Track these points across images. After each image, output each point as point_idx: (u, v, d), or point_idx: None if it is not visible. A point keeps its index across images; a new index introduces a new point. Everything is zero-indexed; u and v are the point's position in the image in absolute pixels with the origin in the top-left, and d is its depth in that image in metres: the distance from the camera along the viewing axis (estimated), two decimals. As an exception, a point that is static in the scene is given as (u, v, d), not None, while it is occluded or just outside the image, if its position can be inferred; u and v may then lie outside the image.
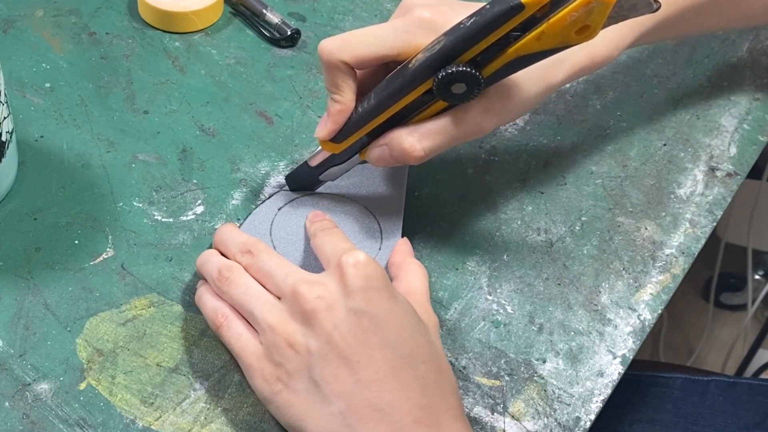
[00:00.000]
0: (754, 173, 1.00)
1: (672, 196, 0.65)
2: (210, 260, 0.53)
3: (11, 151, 0.58)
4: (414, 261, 0.56)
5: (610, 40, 0.57)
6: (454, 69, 0.49)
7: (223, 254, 0.54)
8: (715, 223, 0.64)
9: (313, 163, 0.58)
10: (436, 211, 0.62)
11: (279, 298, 0.50)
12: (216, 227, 0.59)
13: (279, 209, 0.58)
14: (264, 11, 0.72)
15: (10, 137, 0.57)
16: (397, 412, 0.46)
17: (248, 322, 0.51)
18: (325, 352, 0.47)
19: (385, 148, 0.54)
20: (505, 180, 0.64)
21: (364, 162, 0.56)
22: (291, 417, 0.48)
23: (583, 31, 0.47)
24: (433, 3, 0.53)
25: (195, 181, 0.61)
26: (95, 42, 0.69)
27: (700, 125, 0.70)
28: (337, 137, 0.54)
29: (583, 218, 0.63)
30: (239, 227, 0.57)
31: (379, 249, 0.57)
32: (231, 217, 0.59)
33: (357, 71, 0.53)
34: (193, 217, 0.59)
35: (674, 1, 0.60)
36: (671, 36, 0.65)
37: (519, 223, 0.62)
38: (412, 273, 0.54)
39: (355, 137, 0.54)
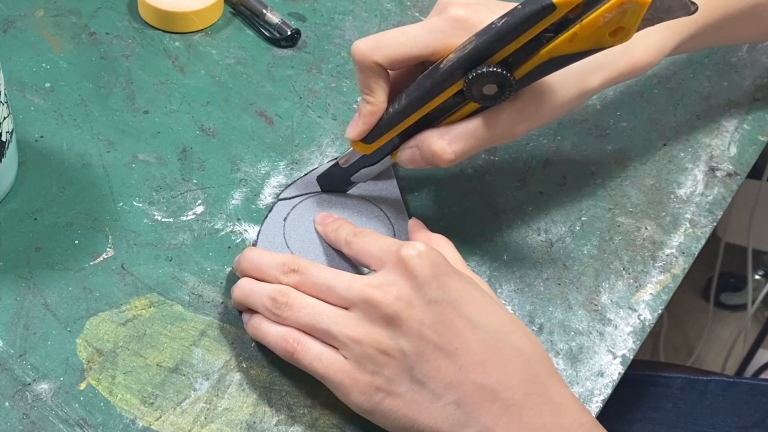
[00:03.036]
0: (754, 173, 1.00)
1: (672, 196, 0.65)
2: (254, 290, 0.51)
3: (11, 151, 0.58)
4: (438, 235, 0.55)
5: (651, 47, 0.56)
6: (484, 70, 0.48)
7: (258, 279, 0.52)
8: (715, 223, 0.64)
9: (344, 163, 0.58)
10: (436, 211, 0.62)
11: (346, 308, 0.49)
12: (216, 227, 0.59)
13: (284, 220, 0.58)
14: (264, 11, 0.72)
15: (10, 137, 0.57)
16: (507, 389, 0.46)
17: (321, 340, 0.49)
18: (420, 349, 0.46)
19: (416, 150, 0.53)
20: (505, 180, 0.64)
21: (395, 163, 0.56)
22: (401, 420, 0.47)
23: (617, 33, 0.46)
24: (468, 1, 0.52)
25: (195, 181, 0.61)
26: (95, 42, 0.69)
27: (700, 125, 0.70)
28: (368, 138, 0.54)
29: (583, 218, 0.63)
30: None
31: (394, 236, 0.57)
32: (231, 217, 0.59)
33: (391, 71, 0.53)
34: (193, 217, 0.59)
35: (716, 8, 0.59)
36: (712, 43, 0.64)
37: (519, 223, 0.62)
38: (443, 248, 0.54)
39: (386, 138, 0.54)
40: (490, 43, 0.48)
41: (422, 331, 0.46)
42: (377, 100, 0.53)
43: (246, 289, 0.52)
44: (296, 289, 0.50)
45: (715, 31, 0.60)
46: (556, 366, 0.55)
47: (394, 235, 0.57)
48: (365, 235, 0.52)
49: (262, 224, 0.58)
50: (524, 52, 0.48)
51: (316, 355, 0.49)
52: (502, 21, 0.48)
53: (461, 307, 0.47)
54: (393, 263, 0.48)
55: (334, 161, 0.61)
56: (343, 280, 0.49)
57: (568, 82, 0.53)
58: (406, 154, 0.54)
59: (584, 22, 0.46)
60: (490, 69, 0.48)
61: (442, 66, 0.50)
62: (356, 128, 0.54)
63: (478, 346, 0.47)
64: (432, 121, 0.53)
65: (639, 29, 0.47)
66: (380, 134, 0.54)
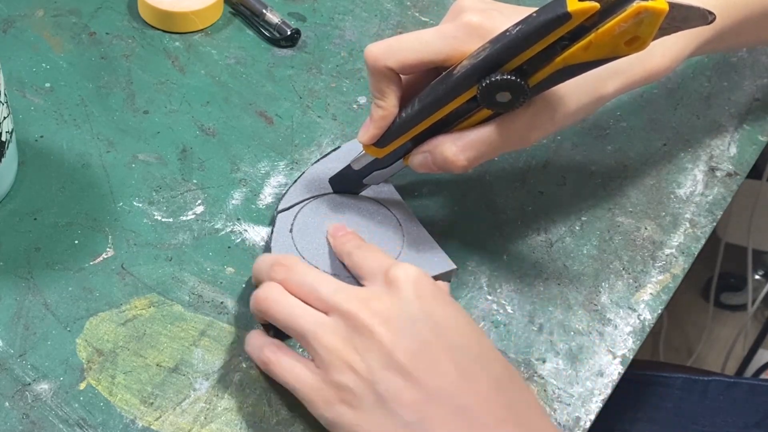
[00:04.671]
0: (754, 173, 1.00)
1: (672, 196, 0.65)
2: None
3: (11, 151, 0.58)
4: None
5: (668, 51, 0.55)
6: (498, 77, 0.48)
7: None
8: (715, 223, 0.64)
9: (357, 166, 0.57)
10: (436, 211, 0.62)
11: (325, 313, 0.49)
12: (216, 227, 0.59)
13: (291, 231, 0.57)
14: (264, 11, 0.72)
15: (10, 137, 0.57)
16: (478, 414, 0.45)
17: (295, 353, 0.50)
18: (386, 366, 0.46)
19: (428, 155, 0.53)
20: (505, 180, 0.64)
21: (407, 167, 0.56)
22: None
23: (633, 42, 0.46)
24: (483, 8, 0.52)
25: (195, 181, 0.61)
26: (95, 42, 0.69)
27: (700, 125, 0.70)
28: (380, 142, 0.54)
29: (583, 218, 0.63)
30: None
31: (403, 236, 0.57)
32: (231, 217, 0.59)
33: (403, 76, 0.53)
34: (193, 217, 0.59)
35: (733, 11, 0.58)
36: (729, 47, 0.64)
37: (519, 223, 0.62)
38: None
39: (399, 143, 0.54)
40: (505, 51, 0.48)
41: (393, 350, 0.46)
42: (389, 105, 0.53)
43: (281, 303, 0.51)
44: (282, 285, 0.50)
45: (733, 35, 0.59)
46: (555, 366, 0.55)
47: (403, 234, 0.57)
48: (367, 249, 0.53)
49: (270, 240, 0.58)
50: (539, 59, 0.48)
51: (288, 366, 0.49)
52: (517, 29, 0.47)
53: (441, 331, 0.47)
54: (382, 280, 0.48)
55: (317, 161, 0.61)
56: (329, 285, 0.49)
57: (583, 88, 0.52)
58: (419, 159, 0.54)
59: (600, 31, 0.45)
60: (504, 77, 0.48)
61: (455, 72, 0.50)
62: (368, 132, 0.54)
63: (448, 369, 0.46)
64: (445, 126, 0.52)
65: (655, 38, 0.46)
66: (392, 138, 0.54)
